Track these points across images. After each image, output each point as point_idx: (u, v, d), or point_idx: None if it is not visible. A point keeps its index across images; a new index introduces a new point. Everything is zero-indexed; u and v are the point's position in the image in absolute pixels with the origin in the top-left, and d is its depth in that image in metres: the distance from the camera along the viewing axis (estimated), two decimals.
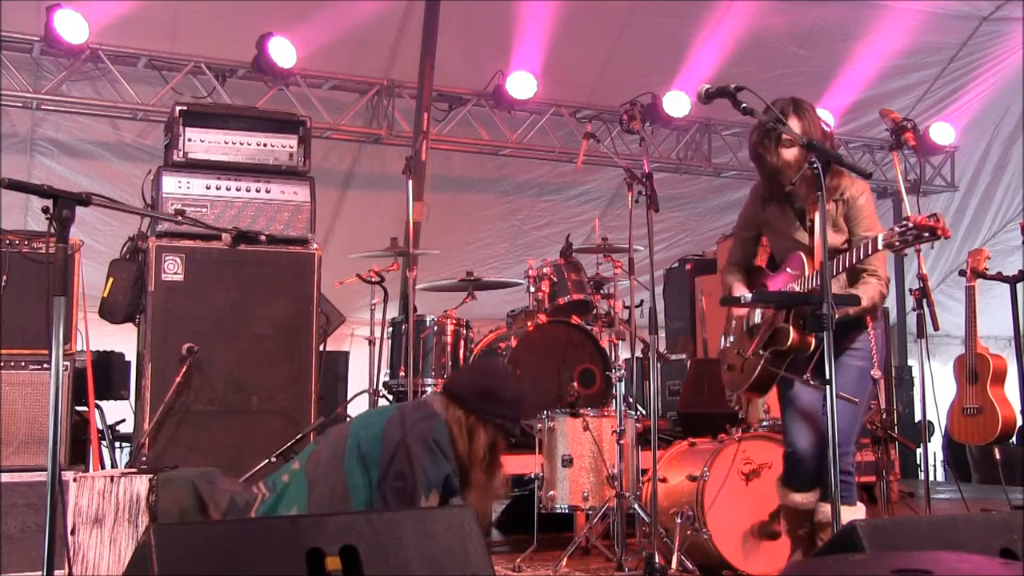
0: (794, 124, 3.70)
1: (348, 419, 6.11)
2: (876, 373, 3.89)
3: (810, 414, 3.86)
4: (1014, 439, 6.42)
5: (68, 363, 4.61)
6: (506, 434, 3.77)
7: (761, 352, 3.87)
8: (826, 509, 3.83)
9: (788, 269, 3.85)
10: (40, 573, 2.76)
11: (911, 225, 3.38)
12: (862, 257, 3.58)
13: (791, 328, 3.75)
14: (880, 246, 3.49)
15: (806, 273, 3.74)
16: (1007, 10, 8.88)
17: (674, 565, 4.50)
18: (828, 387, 3.20)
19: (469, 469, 3.65)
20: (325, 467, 3.62)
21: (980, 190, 10.72)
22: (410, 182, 5.70)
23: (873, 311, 3.85)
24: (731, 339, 4.16)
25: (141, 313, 5.08)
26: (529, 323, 6.19)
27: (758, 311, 3.97)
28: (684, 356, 8.25)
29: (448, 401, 3.71)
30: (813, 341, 3.74)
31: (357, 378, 7.15)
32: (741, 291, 3.96)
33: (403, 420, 3.64)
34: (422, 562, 2.29)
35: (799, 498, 3.93)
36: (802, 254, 3.79)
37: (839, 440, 3.58)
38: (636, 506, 4.80)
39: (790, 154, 3.73)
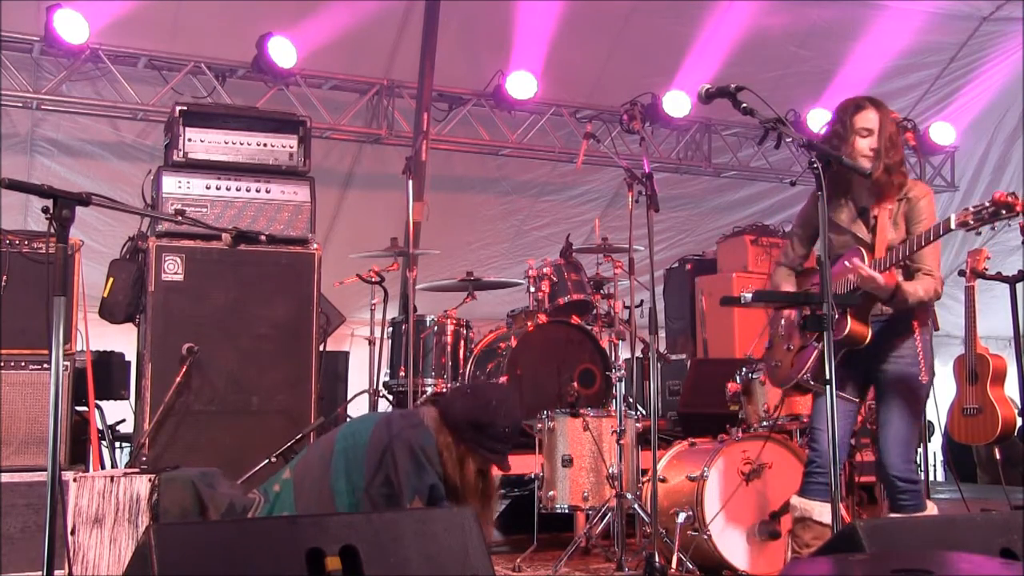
0: (871, 115, 3.77)
1: (348, 418, 6.12)
2: (924, 378, 3.82)
3: (843, 417, 3.83)
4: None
5: (68, 363, 4.62)
6: (498, 466, 3.73)
7: (815, 344, 3.83)
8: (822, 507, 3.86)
9: (845, 263, 3.81)
10: (40, 573, 2.76)
11: (987, 204, 3.33)
12: (932, 238, 3.56)
13: (848, 318, 3.73)
14: (953, 226, 3.44)
15: (866, 261, 3.72)
16: (1007, 10, 8.87)
17: (674, 565, 4.50)
18: (828, 387, 3.19)
19: (463, 496, 3.61)
20: (312, 473, 3.63)
21: (980, 190, 10.70)
22: (410, 182, 5.70)
23: (924, 312, 3.87)
24: (781, 336, 4.13)
25: (141, 313, 5.08)
26: (529, 323, 6.19)
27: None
28: (684, 356, 8.25)
29: (441, 424, 3.67)
30: (869, 332, 3.73)
31: (357, 378, 7.14)
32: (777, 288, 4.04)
33: (389, 427, 3.62)
34: (422, 562, 2.29)
35: (821, 509, 3.85)
36: (861, 248, 3.79)
37: (898, 451, 3.68)
38: (636, 506, 4.80)
39: (863, 144, 3.77)
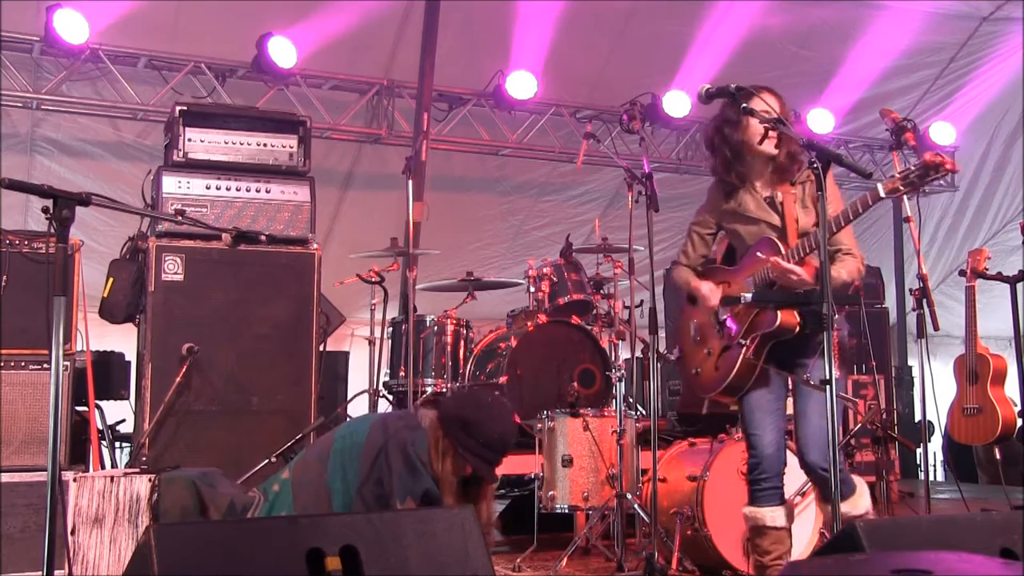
0: (769, 98, 3.71)
1: (348, 418, 6.12)
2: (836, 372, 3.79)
3: (777, 416, 3.79)
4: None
5: (68, 363, 4.61)
6: (477, 472, 3.61)
7: (742, 341, 3.68)
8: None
9: (758, 253, 3.70)
10: (40, 573, 2.76)
11: (914, 167, 3.21)
12: (860, 211, 3.41)
13: (776, 308, 3.59)
14: (883, 194, 3.32)
15: (782, 251, 3.59)
16: (1007, 10, 8.87)
17: (674, 565, 4.50)
18: (828, 387, 3.17)
19: (440, 490, 3.55)
20: (310, 473, 3.62)
21: (980, 190, 10.71)
22: (410, 182, 5.70)
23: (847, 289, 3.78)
24: (696, 340, 3.96)
25: (141, 313, 5.08)
26: (529, 323, 6.19)
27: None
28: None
29: (435, 419, 3.64)
30: (798, 320, 3.57)
31: (357, 378, 7.15)
32: (708, 289, 3.83)
33: (385, 427, 3.61)
34: (422, 562, 2.29)
35: (772, 515, 3.77)
36: (773, 237, 3.67)
37: (819, 449, 3.60)
38: (636, 506, 4.80)
39: (756, 127, 3.69)
